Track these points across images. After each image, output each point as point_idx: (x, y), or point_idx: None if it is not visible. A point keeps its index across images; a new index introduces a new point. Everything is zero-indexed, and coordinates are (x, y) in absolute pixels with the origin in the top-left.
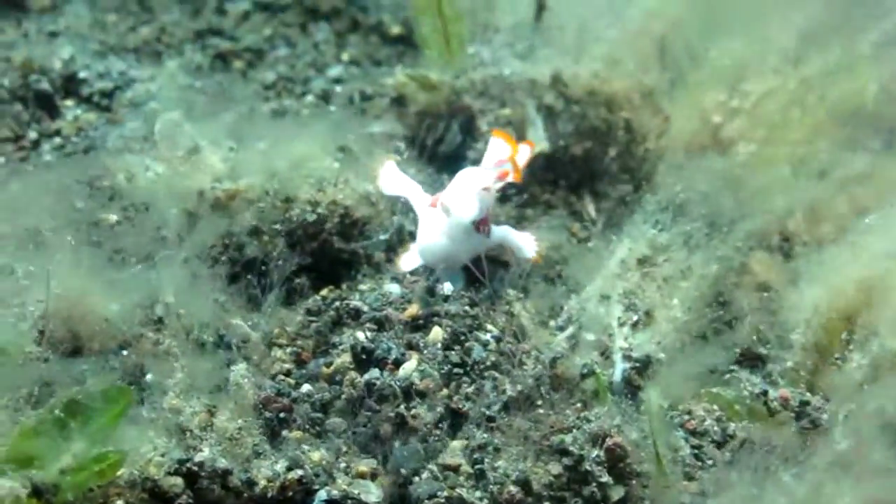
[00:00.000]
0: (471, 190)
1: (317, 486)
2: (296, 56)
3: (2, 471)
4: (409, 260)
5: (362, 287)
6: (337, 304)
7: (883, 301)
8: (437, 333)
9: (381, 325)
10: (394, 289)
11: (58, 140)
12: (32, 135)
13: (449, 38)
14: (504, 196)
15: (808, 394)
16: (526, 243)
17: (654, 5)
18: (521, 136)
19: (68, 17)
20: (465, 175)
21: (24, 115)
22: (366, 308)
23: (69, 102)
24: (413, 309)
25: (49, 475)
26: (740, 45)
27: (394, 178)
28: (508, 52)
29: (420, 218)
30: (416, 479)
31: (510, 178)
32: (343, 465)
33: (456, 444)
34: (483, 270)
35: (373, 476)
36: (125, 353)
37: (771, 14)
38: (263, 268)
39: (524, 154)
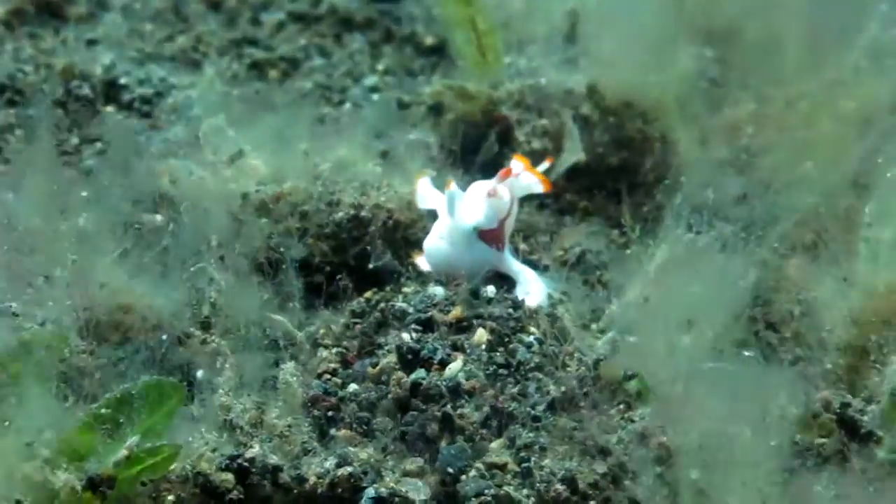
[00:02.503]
0: (478, 197)
1: (365, 484)
2: (331, 66)
3: (57, 464)
4: (423, 261)
5: (406, 289)
6: (382, 305)
7: None
8: (481, 335)
9: (425, 326)
10: (438, 291)
11: (99, 145)
12: (74, 140)
13: (484, 50)
14: (541, 204)
15: (848, 396)
16: (534, 290)
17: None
18: (557, 146)
19: (106, 25)
20: (476, 185)
21: (65, 121)
22: (410, 310)
23: (110, 108)
24: (457, 311)
25: (104, 468)
26: (756, 51)
27: (427, 193)
28: (544, 62)
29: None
30: (464, 477)
31: (539, 189)
32: (391, 463)
33: (502, 442)
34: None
35: (420, 474)
36: (174, 349)
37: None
38: (308, 269)
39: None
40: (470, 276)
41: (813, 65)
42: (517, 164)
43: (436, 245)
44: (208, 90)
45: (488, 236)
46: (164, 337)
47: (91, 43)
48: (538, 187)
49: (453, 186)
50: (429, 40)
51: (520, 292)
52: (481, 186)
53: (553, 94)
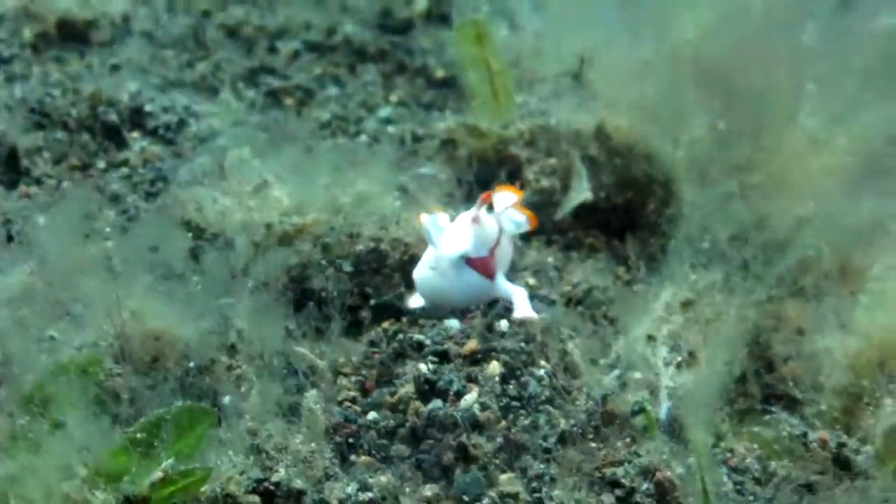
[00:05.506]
0: (463, 226)
1: None
2: (346, 96)
3: (95, 483)
4: (416, 298)
5: (422, 321)
6: (399, 336)
7: None
8: (494, 368)
9: (441, 358)
10: (453, 324)
11: (125, 170)
12: (100, 164)
13: (496, 90)
14: (549, 240)
15: (844, 436)
16: (524, 307)
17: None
18: (565, 185)
19: (129, 50)
20: (463, 215)
21: (92, 146)
22: (427, 341)
23: (135, 135)
24: (472, 344)
25: (139, 489)
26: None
27: (432, 226)
28: (554, 102)
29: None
30: None
31: (526, 227)
32: (408, 489)
33: (514, 473)
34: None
35: (436, 501)
36: (201, 375)
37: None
38: (328, 299)
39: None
40: (462, 305)
41: (792, 115)
42: (501, 195)
43: (425, 275)
44: (229, 118)
45: (478, 265)
46: (192, 363)
47: (114, 68)
48: (525, 226)
49: (430, 215)
50: (440, 73)
51: (515, 308)
52: (467, 215)
53: (562, 134)
